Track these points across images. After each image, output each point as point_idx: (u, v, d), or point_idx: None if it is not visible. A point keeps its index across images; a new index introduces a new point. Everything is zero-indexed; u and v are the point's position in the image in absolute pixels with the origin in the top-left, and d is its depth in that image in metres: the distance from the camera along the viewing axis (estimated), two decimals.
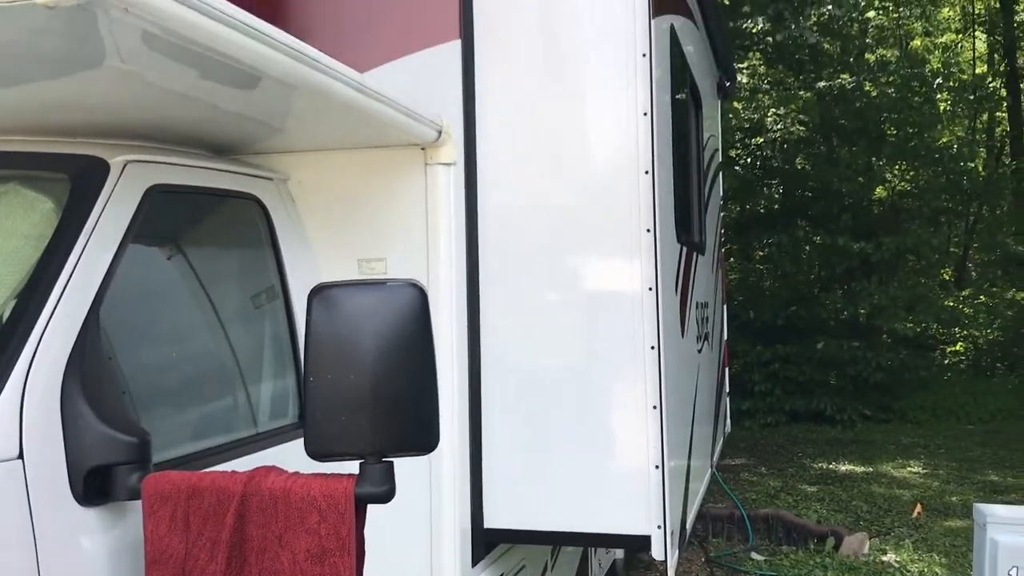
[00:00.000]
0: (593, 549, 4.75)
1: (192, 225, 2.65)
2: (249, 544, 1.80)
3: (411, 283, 1.82)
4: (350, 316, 1.77)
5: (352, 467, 1.81)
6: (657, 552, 2.92)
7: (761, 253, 16.22)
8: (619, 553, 5.53)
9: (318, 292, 1.80)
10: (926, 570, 6.48)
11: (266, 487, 1.81)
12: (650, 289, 2.96)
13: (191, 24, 1.68)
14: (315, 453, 1.77)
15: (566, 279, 3.06)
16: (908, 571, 6.43)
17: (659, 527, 2.92)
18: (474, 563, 3.00)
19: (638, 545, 2.95)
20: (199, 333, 2.61)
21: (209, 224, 2.74)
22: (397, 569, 2.81)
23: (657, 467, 2.93)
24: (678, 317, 3.58)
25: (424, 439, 1.81)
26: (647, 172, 2.97)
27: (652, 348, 2.96)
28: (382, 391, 1.75)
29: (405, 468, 2.75)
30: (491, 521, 3.06)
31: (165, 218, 2.42)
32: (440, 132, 2.84)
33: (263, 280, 2.86)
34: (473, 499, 3.01)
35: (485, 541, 3.07)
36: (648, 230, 2.98)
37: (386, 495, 1.78)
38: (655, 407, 2.94)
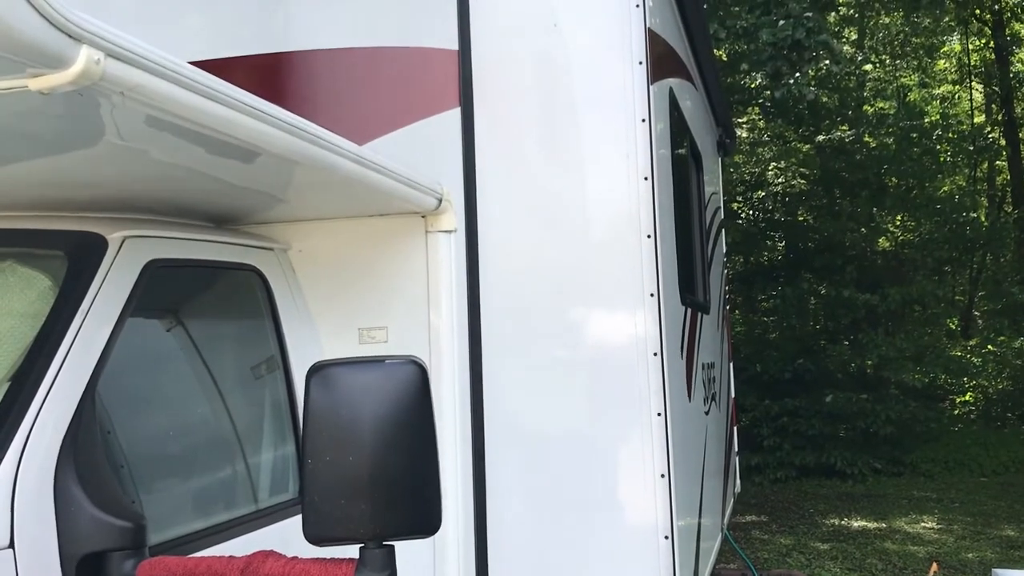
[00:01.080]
0: None
1: (191, 298, 2.63)
2: None
3: (411, 360, 1.79)
4: (349, 396, 1.73)
5: (352, 551, 1.76)
6: None
7: (766, 305, 16.18)
8: None
9: (316, 371, 1.77)
10: None
11: (264, 574, 1.76)
12: (655, 354, 2.93)
13: (189, 105, 1.68)
14: (314, 537, 1.72)
15: (571, 345, 3.03)
16: None
17: None
18: None
19: None
20: (199, 406, 2.58)
21: (208, 296, 2.73)
22: None
23: (667, 538, 2.86)
24: (684, 381, 3.53)
25: (426, 522, 1.76)
26: (649, 236, 2.96)
27: (659, 415, 2.91)
28: (382, 473, 1.71)
29: (408, 550, 2.70)
30: None
31: (164, 292, 2.40)
32: (440, 200, 2.83)
33: (263, 351, 2.83)
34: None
35: None
36: (652, 294, 2.95)
37: None
38: (663, 475, 2.88)
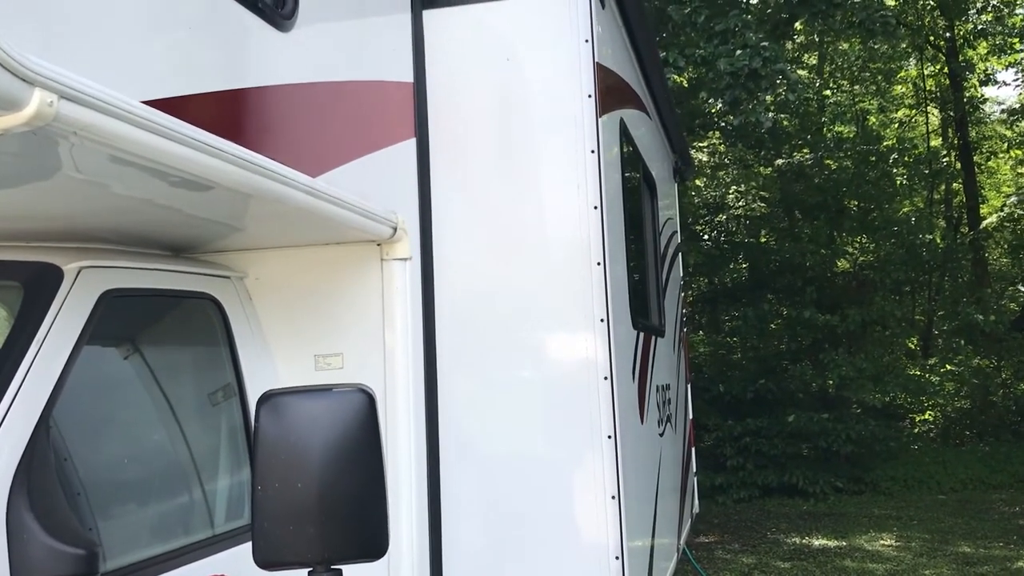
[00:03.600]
0: None
1: (147, 327, 2.67)
2: None
3: (359, 388, 1.85)
4: (297, 424, 1.79)
5: (302, 575, 1.81)
6: None
7: (729, 326, 16.38)
8: None
9: (266, 400, 1.83)
10: None
11: None
12: (605, 379, 3.01)
13: (141, 143, 1.73)
14: (263, 562, 1.77)
15: (524, 370, 3.10)
16: None
17: None
18: None
19: None
20: (156, 433, 2.61)
21: (165, 325, 2.76)
22: None
23: (617, 558, 2.93)
24: (636, 404, 3.61)
25: (373, 546, 1.81)
26: (599, 263, 3.05)
27: (609, 438, 2.99)
28: (330, 499, 1.76)
29: (361, 573, 2.74)
30: None
31: (120, 321, 2.44)
32: (395, 229, 2.90)
33: (219, 378, 2.87)
34: None
35: None
36: (602, 320, 3.03)
37: None
38: (613, 497, 2.95)
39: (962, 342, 17.10)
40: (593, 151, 3.06)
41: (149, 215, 2.41)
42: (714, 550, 9.87)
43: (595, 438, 2.98)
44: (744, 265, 16.40)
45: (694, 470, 6.00)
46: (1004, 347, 16.90)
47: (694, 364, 13.15)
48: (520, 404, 3.07)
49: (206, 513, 2.62)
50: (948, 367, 17.99)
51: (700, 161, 15.07)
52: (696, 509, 5.92)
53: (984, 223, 18.43)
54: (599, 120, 3.11)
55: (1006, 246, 20.82)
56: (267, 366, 2.89)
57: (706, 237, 16.12)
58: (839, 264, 16.52)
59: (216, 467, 2.75)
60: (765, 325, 15.28)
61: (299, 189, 2.32)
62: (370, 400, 1.84)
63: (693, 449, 6.12)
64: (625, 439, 3.10)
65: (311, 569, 1.77)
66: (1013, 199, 18.46)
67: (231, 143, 2.03)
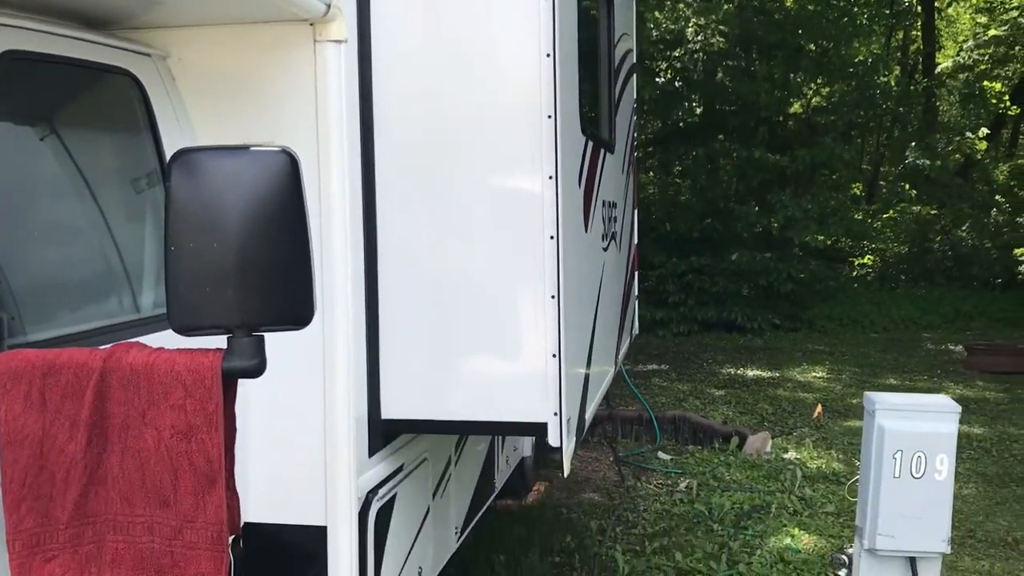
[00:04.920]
0: (500, 445, 4.79)
1: (59, 99, 2.47)
2: (111, 422, 1.72)
3: (281, 149, 1.72)
4: (213, 182, 1.67)
5: (221, 341, 1.73)
6: (553, 439, 2.93)
7: (679, 168, 16.33)
8: (527, 451, 5.60)
9: (178, 157, 1.69)
10: (824, 466, 6.75)
11: (127, 362, 1.72)
12: (550, 178, 2.90)
13: None
14: (180, 326, 1.68)
15: (465, 168, 2.98)
16: (807, 467, 6.68)
17: (555, 414, 2.92)
18: (371, 453, 2.97)
19: (535, 432, 2.95)
20: (75, 214, 2.46)
21: (78, 100, 2.56)
22: (290, 459, 2.76)
23: (554, 356, 2.91)
24: (581, 210, 3.53)
25: (297, 312, 1.73)
26: (548, 55, 2.88)
27: (551, 238, 2.91)
28: (249, 261, 1.66)
29: (297, 354, 2.68)
30: (389, 411, 3.02)
31: (27, 89, 2.24)
32: (329, 6, 2.67)
33: (142, 164, 2.70)
34: (370, 389, 2.97)
35: (383, 431, 3.04)
36: (549, 116, 2.90)
37: (256, 369, 1.70)
38: (553, 297, 2.91)
39: (907, 187, 17.32)
40: None
41: None
42: (651, 378, 10.16)
43: (537, 238, 2.90)
44: (698, 109, 16.17)
45: (636, 293, 6.04)
46: (947, 193, 17.17)
47: (643, 205, 13.15)
48: (462, 202, 2.96)
49: (130, 297, 2.51)
50: (891, 213, 18.33)
51: None
52: (636, 331, 6.00)
53: (939, 68, 18.32)
54: None
55: (957, 96, 20.84)
56: None
57: (661, 74, 15.80)
58: (792, 106, 16.39)
59: (140, 253, 2.62)
60: (715, 165, 15.27)
61: None
62: (292, 161, 1.72)
63: (636, 273, 6.14)
64: (568, 242, 3.02)
65: (230, 334, 1.69)
66: (971, 43, 18.28)
67: None
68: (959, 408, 3.24)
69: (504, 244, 2.94)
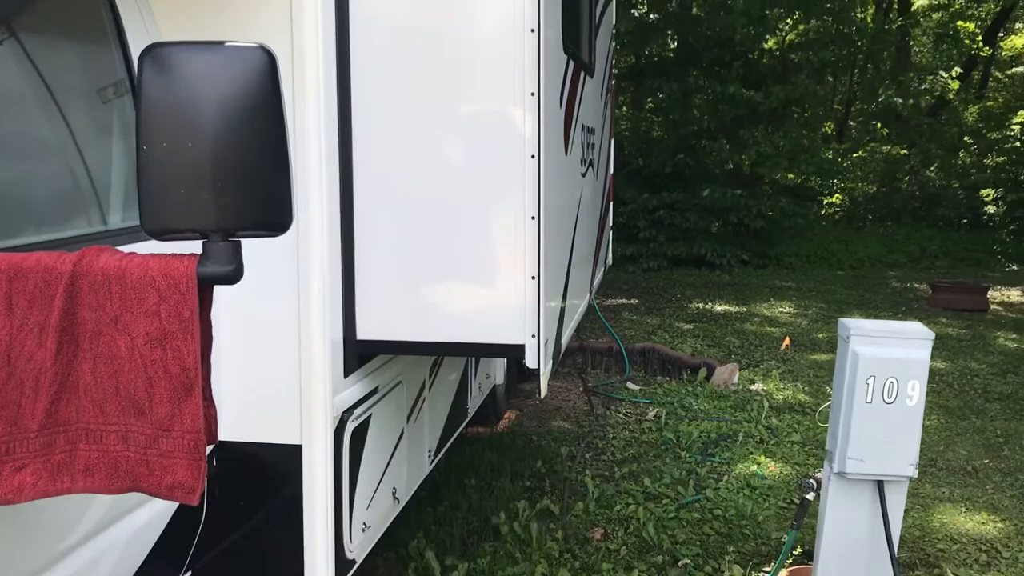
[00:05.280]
0: (473, 371, 4.78)
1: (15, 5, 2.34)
2: (81, 328, 1.65)
3: (258, 45, 1.63)
4: (186, 78, 1.58)
5: (196, 246, 1.66)
6: (531, 361, 2.91)
7: (652, 104, 16.21)
8: (499, 379, 5.61)
9: (150, 51, 1.60)
10: (790, 397, 6.84)
11: (98, 267, 1.65)
12: (532, 94, 2.82)
13: None
14: (152, 230, 1.61)
15: (447, 84, 2.88)
16: (773, 398, 6.77)
17: (533, 336, 2.89)
18: (346, 374, 2.94)
19: (512, 354, 2.93)
20: (34, 124, 2.36)
21: (39, 7, 2.43)
22: (265, 379, 2.72)
23: (533, 278, 2.87)
24: (562, 132, 3.46)
25: (275, 217, 1.67)
26: None
27: (532, 157, 2.85)
28: (225, 161, 1.59)
29: (271, 273, 2.62)
30: (364, 332, 2.98)
31: None
32: None
33: (108, 73, 2.58)
34: (346, 309, 2.92)
35: (358, 353, 3.00)
36: (532, 30, 2.81)
37: (233, 275, 1.64)
38: (533, 217, 2.86)
39: (879, 125, 17.34)
40: None
41: None
42: (621, 311, 10.21)
43: (518, 156, 2.84)
44: (673, 43, 15.97)
45: (611, 223, 6.01)
46: (917, 133, 17.23)
47: (615, 140, 13.08)
48: (442, 120, 2.88)
49: (96, 209, 2.42)
50: (861, 152, 18.39)
51: None
52: (609, 261, 5.98)
53: (914, 6, 18.22)
54: None
55: (931, 36, 20.79)
56: None
57: (637, 6, 15.55)
58: (768, 43, 16.26)
59: (108, 165, 2.53)
60: (689, 100, 15.17)
61: None
62: (270, 58, 1.63)
63: (611, 203, 6.10)
64: (548, 162, 2.97)
65: (206, 238, 1.63)
66: None
67: None
68: (932, 335, 3.26)
69: (484, 163, 2.88)
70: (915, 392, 3.23)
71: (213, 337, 1.74)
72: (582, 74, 4.08)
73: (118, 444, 1.68)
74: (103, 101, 2.66)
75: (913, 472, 3.27)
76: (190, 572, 2.85)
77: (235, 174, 1.59)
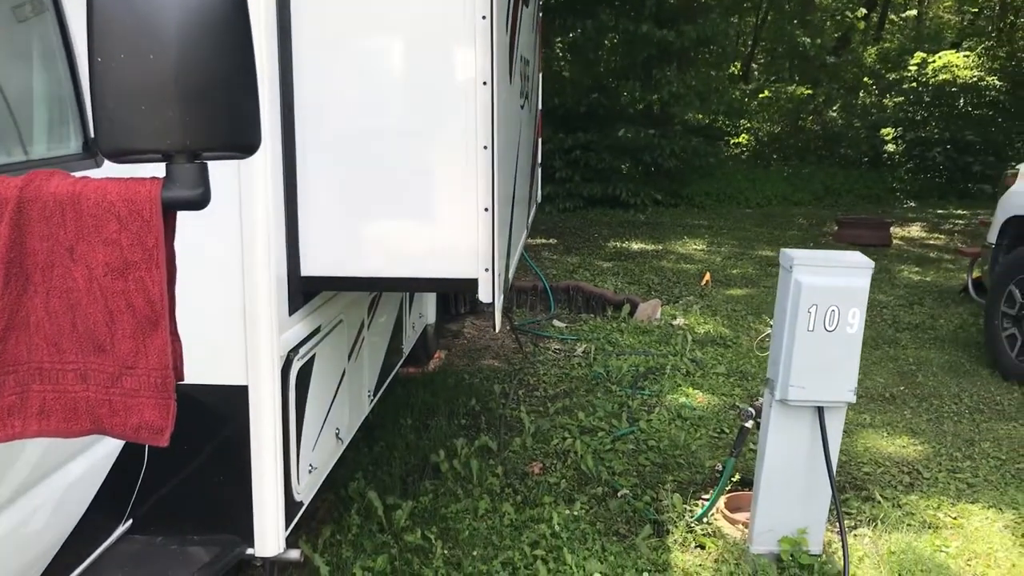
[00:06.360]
0: (407, 312, 4.70)
1: None
2: (31, 259, 1.51)
3: None
4: None
5: (158, 169, 1.54)
6: (484, 295, 2.85)
7: (562, 44, 16.06)
8: (430, 318, 5.54)
9: None
10: (712, 331, 6.98)
11: (48, 191, 1.51)
12: (483, 17, 2.71)
13: None
14: (111, 150, 1.47)
15: (395, 5, 2.75)
16: (696, 332, 6.90)
17: (487, 270, 2.83)
18: (291, 312, 2.82)
19: (465, 288, 2.86)
20: None
21: None
22: (209, 319, 2.58)
23: (487, 210, 2.80)
24: (507, 60, 3.36)
25: (243, 137, 1.55)
26: None
27: (485, 84, 2.75)
28: (189, 76, 1.45)
29: (214, 207, 2.47)
30: (309, 269, 2.86)
31: None
32: None
33: None
34: (289, 245, 2.79)
35: (303, 290, 2.88)
36: None
37: (200, 200, 1.52)
38: (486, 147, 2.77)
39: (786, 64, 17.65)
40: None
41: None
42: (541, 252, 10.21)
43: (470, 83, 2.74)
44: None
45: (539, 160, 5.94)
46: (823, 72, 17.60)
47: None
48: (388, 43, 2.75)
49: (16, 139, 2.23)
50: (766, 92, 18.72)
51: None
52: (539, 199, 5.94)
53: None
54: None
55: None
56: None
57: None
58: None
59: (26, 88, 2.32)
60: (602, 39, 15.08)
61: None
62: None
63: (539, 139, 6.03)
64: (500, 89, 2.87)
65: (170, 159, 1.50)
66: None
67: None
68: (872, 264, 3.33)
69: (435, 90, 2.76)
70: (855, 320, 3.30)
71: (177, 268, 1.62)
72: (520, 4, 3.96)
73: (76, 384, 1.56)
74: (19, 20, 2.44)
75: (852, 397, 3.36)
76: (131, 520, 2.73)
77: (202, 89, 1.47)
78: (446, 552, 3.58)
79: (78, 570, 2.43)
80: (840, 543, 3.51)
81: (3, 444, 1.91)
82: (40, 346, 1.54)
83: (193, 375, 2.67)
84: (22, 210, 1.50)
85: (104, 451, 2.45)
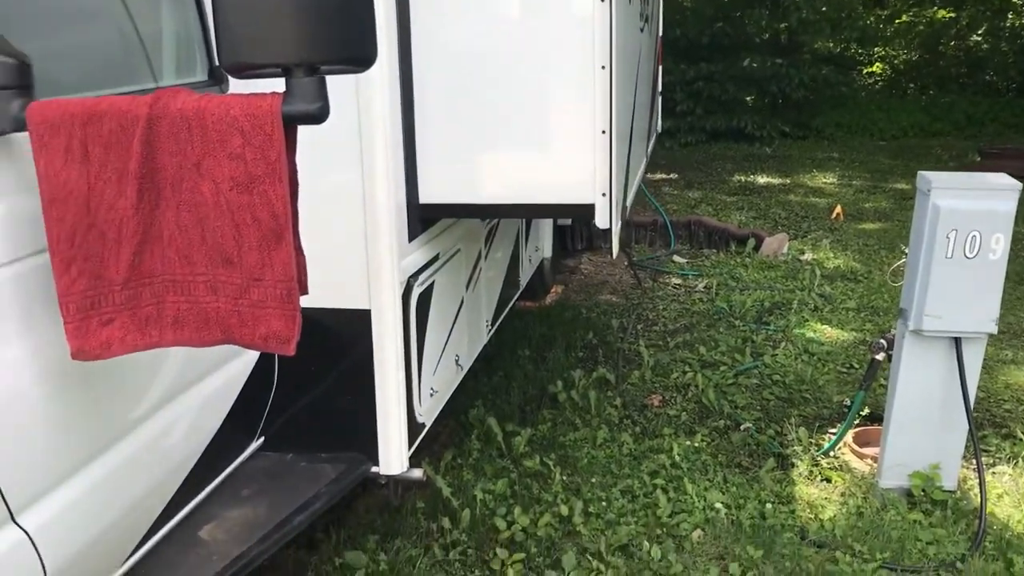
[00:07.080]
0: (524, 244, 4.70)
1: None
2: (162, 175, 1.57)
3: None
4: None
5: (278, 84, 1.56)
6: (601, 221, 2.81)
7: None
8: (547, 252, 5.52)
9: None
10: (842, 265, 6.72)
11: (175, 108, 1.55)
12: None
13: None
14: (231, 65, 1.50)
15: None
16: (825, 267, 6.66)
17: (604, 195, 2.78)
18: (410, 239, 2.86)
19: (582, 213, 2.82)
20: None
21: None
22: (331, 244, 2.63)
23: (604, 132, 2.74)
24: None
25: (359, 50, 1.55)
26: None
27: (603, 2, 2.67)
28: None
29: (336, 140, 2.51)
30: (427, 196, 2.88)
31: None
32: None
33: None
34: (408, 173, 2.81)
35: (421, 217, 2.91)
36: None
37: (319, 113, 1.54)
38: (604, 67, 2.70)
39: None
40: None
41: None
42: (661, 187, 10.02)
43: (586, 3, 2.67)
44: None
45: (660, 88, 5.78)
46: None
47: None
48: None
49: (146, 65, 2.30)
50: (903, 18, 17.61)
51: None
52: (659, 128, 5.79)
53: None
54: None
55: None
56: None
57: None
58: None
59: (157, 17, 2.39)
60: None
61: None
62: None
63: (660, 68, 5.86)
64: (617, 7, 2.79)
65: (288, 73, 1.51)
66: None
67: None
68: (1020, 185, 3.10)
69: (549, 14, 2.71)
70: (999, 246, 3.10)
71: (299, 182, 1.64)
72: None
73: (207, 295, 1.62)
74: None
75: (994, 328, 3.18)
76: (263, 438, 2.86)
77: (319, 3, 1.47)
78: (564, 478, 3.61)
79: (215, 482, 2.57)
80: (976, 480, 3.35)
81: (144, 358, 2.02)
82: (172, 259, 1.61)
83: (318, 299, 2.76)
84: (152, 127, 1.55)
85: (236, 370, 2.56)
